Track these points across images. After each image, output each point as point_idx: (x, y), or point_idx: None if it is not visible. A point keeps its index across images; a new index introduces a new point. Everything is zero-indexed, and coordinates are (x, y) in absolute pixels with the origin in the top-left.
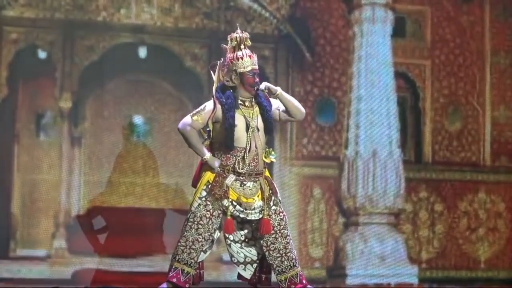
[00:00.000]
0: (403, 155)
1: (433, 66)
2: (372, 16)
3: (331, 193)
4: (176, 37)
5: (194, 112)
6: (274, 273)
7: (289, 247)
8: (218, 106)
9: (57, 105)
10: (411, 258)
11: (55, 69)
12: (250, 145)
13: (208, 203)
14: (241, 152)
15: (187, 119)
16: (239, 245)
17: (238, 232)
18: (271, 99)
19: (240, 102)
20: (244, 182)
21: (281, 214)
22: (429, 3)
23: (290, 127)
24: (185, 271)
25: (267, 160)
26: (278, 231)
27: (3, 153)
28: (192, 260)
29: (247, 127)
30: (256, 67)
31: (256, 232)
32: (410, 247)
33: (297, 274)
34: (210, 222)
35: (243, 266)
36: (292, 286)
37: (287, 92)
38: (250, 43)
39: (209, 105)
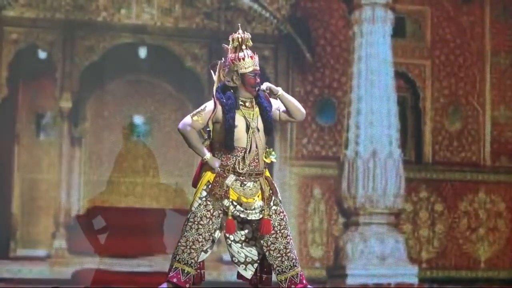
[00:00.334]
0: (403, 155)
1: (433, 66)
2: (372, 16)
3: (331, 193)
4: (176, 37)
5: (195, 112)
6: (275, 273)
7: (289, 247)
8: (219, 107)
9: (57, 105)
10: (411, 258)
11: (55, 69)
12: (251, 145)
13: (209, 203)
14: (241, 153)
15: (187, 119)
16: (239, 245)
17: (238, 232)
18: (272, 100)
19: (240, 102)
20: (245, 182)
21: (281, 214)
22: (429, 3)
23: (290, 127)
24: (186, 271)
25: (267, 161)
26: (278, 231)
27: (3, 153)
28: (193, 260)
29: (247, 127)
30: (257, 67)
31: (256, 232)
32: (410, 247)
33: (297, 274)
34: (211, 222)
35: (244, 266)
36: (293, 286)
37: (288, 93)
38: (252, 43)
39: (209, 105)
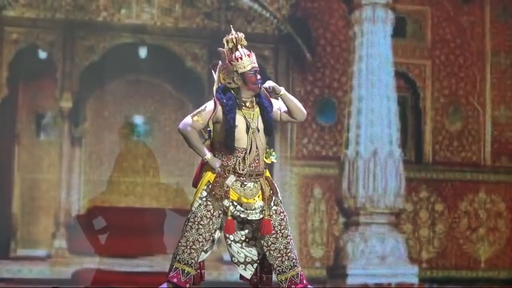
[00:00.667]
0: (404, 155)
1: (434, 66)
2: (373, 16)
3: (332, 192)
4: (176, 37)
5: (195, 112)
6: (275, 273)
7: (290, 247)
8: (219, 107)
9: (57, 105)
10: (411, 258)
11: (55, 69)
12: (251, 146)
13: (209, 203)
14: (241, 153)
15: (188, 119)
16: (239, 245)
17: (238, 232)
18: (273, 100)
19: (241, 103)
20: (245, 183)
21: (281, 214)
22: (430, 3)
23: (290, 127)
24: (186, 271)
25: (267, 161)
26: (278, 231)
27: (4, 153)
28: (193, 260)
29: (248, 128)
30: (256, 64)
31: (256, 232)
32: (411, 247)
33: (298, 274)
34: (211, 222)
35: (244, 266)
36: (293, 286)
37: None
38: (246, 42)
39: (209, 105)
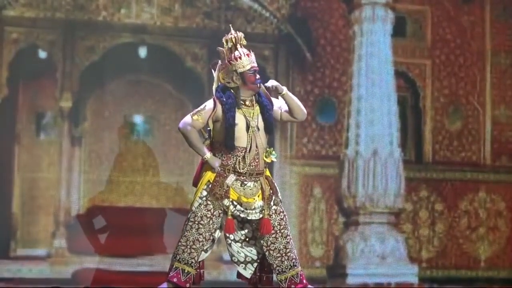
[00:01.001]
0: (404, 154)
1: (434, 66)
2: (373, 16)
3: (332, 192)
4: (176, 37)
5: (195, 111)
6: (275, 273)
7: (289, 247)
8: (219, 106)
9: (57, 105)
10: (411, 257)
11: (55, 69)
12: (251, 145)
13: (209, 202)
14: (241, 152)
15: (188, 118)
16: (239, 244)
17: (238, 231)
18: (273, 98)
19: (241, 101)
20: (245, 182)
21: (281, 214)
22: (430, 3)
23: (290, 126)
24: (186, 271)
25: (267, 160)
26: (278, 231)
27: (4, 153)
28: (193, 260)
29: (248, 126)
30: (255, 64)
31: (256, 231)
32: (411, 247)
33: (298, 274)
34: (211, 222)
35: (243, 266)
36: (293, 286)
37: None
38: (245, 42)
39: (209, 104)
